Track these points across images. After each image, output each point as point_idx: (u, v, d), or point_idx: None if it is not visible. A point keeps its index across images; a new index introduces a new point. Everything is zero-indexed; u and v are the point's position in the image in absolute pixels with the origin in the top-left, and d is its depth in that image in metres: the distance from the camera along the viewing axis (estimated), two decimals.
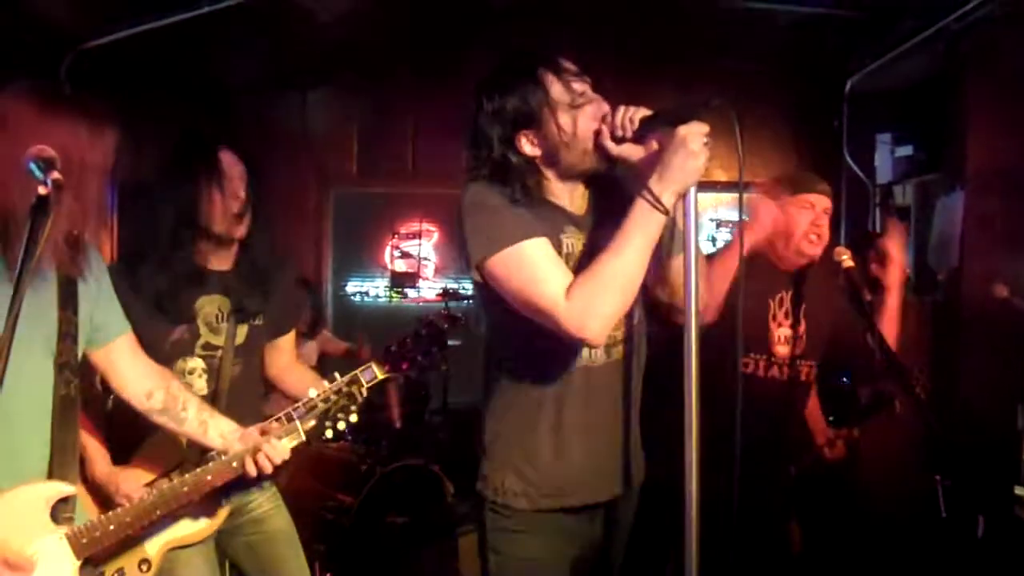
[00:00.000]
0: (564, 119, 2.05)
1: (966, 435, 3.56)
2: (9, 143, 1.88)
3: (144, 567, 2.49)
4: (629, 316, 2.17)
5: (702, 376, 1.86)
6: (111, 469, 2.54)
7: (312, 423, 2.34)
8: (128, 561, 2.46)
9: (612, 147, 2.01)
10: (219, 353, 2.72)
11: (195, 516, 2.59)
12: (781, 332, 3.10)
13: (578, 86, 2.08)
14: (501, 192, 2.08)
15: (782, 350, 3.11)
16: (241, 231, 2.68)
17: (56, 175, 1.56)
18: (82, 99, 2.06)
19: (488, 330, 2.26)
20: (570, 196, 2.19)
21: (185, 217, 2.61)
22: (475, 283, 2.14)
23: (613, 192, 2.17)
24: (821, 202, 3.08)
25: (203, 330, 2.70)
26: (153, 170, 2.69)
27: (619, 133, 1.97)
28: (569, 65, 2.10)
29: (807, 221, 3.05)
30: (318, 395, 2.38)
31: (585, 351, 2.15)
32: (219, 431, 2.36)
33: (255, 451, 2.32)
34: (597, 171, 2.12)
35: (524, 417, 2.19)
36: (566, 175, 2.14)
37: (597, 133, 2.02)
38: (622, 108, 1.98)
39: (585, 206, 2.22)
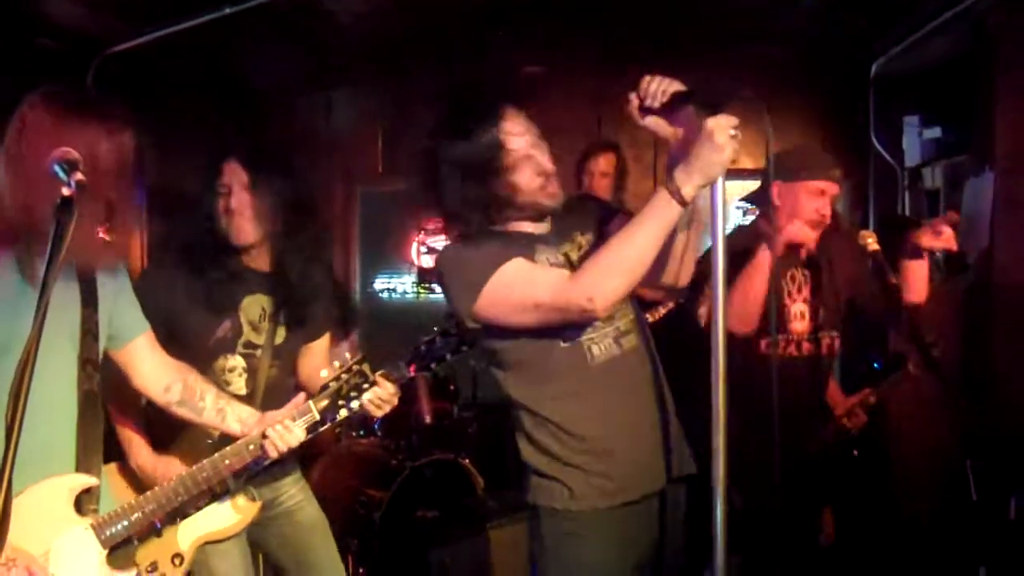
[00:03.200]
0: (506, 176, 2.17)
1: (998, 417, 3.52)
2: (29, 148, 1.93)
3: (177, 561, 2.53)
4: (635, 306, 2.26)
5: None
6: (155, 456, 2.59)
7: (324, 403, 2.40)
8: (161, 555, 2.51)
9: (638, 117, 2.05)
10: (258, 352, 2.76)
11: (228, 511, 2.63)
12: (796, 308, 3.11)
13: (521, 140, 2.17)
14: (465, 242, 2.21)
15: (799, 326, 3.11)
16: (247, 239, 2.69)
17: (80, 176, 1.59)
18: (98, 99, 2.11)
19: (498, 370, 2.33)
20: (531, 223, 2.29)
21: (202, 225, 2.67)
22: (475, 330, 2.24)
23: (574, 205, 2.33)
24: (831, 189, 3.09)
25: (246, 328, 2.74)
26: (180, 174, 2.75)
27: (648, 102, 1.99)
28: (515, 114, 2.20)
29: (813, 208, 3.05)
30: (329, 375, 2.43)
31: (595, 348, 2.19)
32: (237, 417, 2.42)
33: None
34: (541, 215, 2.26)
35: (552, 427, 2.22)
36: (522, 216, 2.25)
37: (630, 102, 2.04)
38: (657, 78, 1.99)
39: (547, 226, 2.31)
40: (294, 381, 2.99)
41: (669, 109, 1.97)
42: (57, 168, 1.62)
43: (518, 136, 2.18)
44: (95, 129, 1.99)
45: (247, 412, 2.43)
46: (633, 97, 2.02)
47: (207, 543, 2.60)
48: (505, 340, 2.21)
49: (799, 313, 3.12)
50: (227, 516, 2.63)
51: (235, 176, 2.66)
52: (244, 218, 2.66)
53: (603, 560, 2.19)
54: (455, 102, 2.27)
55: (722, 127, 1.85)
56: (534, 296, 2.07)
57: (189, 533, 2.55)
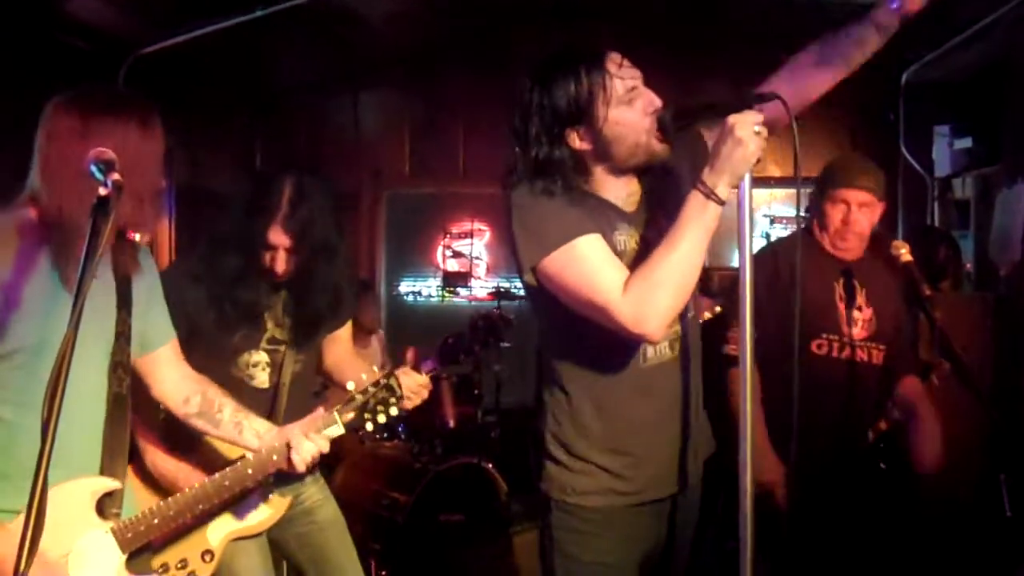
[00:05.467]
0: (613, 113, 2.02)
1: None
2: (59, 152, 1.91)
3: (207, 557, 2.54)
4: (683, 312, 2.14)
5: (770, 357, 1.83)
6: (176, 462, 2.58)
7: (351, 415, 2.38)
8: (191, 552, 2.52)
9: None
10: (282, 348, 2.76)
11: (258, 507, 2.64)
12: (852, 314, 3.07)
13: (628, 80, 2.05)
14: (547, 191, 2.05)
15: (854, 331, 3.07)
16: (280, 278, 2.67)
17: (116, 176, 1.57)
18: (126, 96, 2.08)
19: (542, 334, 2.25)
20: (622, 193, 2.16)
21: (236, 245, 2.64)
22: (527, 287, 2.13)
23: (666, 190, 2.15)
24: (858, 198, 3.02)
25: (270, 324, 2.74)
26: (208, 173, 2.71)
27: (668, 134, 1.97)
28: (618, 58, 2.07)
29: (839, 219, 3.03)
30: (356, 388, 2.42)
31: (647, 348, 2.12)
32: (254, 431, 2.38)
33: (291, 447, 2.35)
34: (650, 164, 2.10)
35: (585, 417, 2.16)
36: (617, 169, 2.11)
37: (660, 121, 2.00)
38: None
39: (636, 204, 2.19)
40: (316, 376, 3.01)
41: (690, 126, 1.96)
42: (94, 168, 1.60)
43: (626, 71, 2.07)
44: (124, 127, 1.96)
45: (265, 427, 2.40)
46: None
47: (236, 539, 2.61)
48: (558, 307, 2.08)
49: (853, 318, 3.09)
50: (257, 512, 2.64)
51: (280, 240, 2.60)
52: (283, 269, 2.63)
53: (608, 558, 2.16)
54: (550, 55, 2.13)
55: (743, 123, 1.82)
56: (590, 292, 1.97)
57: (220, 530, 2.56)
